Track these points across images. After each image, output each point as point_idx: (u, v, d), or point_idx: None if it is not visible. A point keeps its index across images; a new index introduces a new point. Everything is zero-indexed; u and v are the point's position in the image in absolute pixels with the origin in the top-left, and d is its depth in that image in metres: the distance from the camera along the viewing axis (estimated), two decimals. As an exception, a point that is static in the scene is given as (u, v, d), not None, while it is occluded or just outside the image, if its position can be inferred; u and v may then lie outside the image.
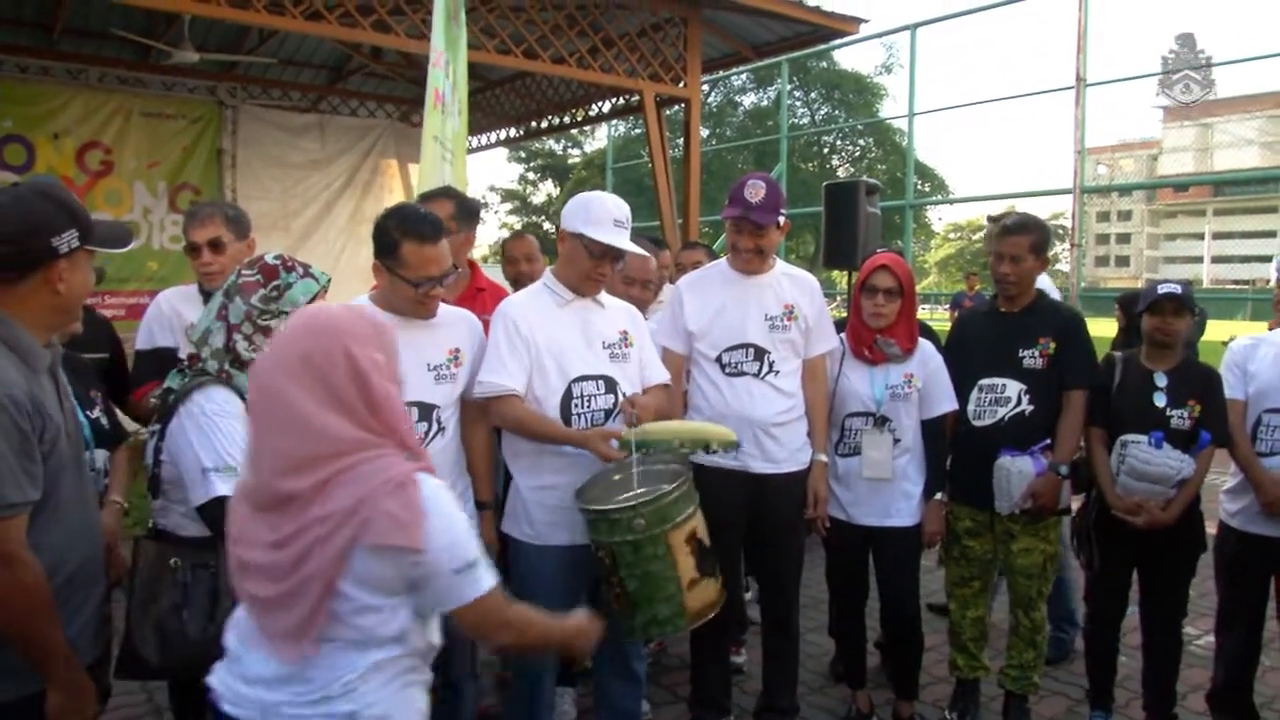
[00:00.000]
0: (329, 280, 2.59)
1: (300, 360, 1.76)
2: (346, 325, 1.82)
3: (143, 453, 2.63)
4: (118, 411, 3.03)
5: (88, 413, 2.82)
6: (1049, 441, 3.74)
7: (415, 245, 2.85)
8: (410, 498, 1.73)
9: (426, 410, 3.00)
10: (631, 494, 2.97)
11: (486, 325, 3.26)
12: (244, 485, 1.86)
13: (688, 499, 2.93)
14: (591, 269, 3.19)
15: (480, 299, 3.84)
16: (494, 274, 4.57)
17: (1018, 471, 3.67)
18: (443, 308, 3.09)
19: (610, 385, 3.23)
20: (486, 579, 1.82)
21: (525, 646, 2.03)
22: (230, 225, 3.45)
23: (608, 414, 3.21)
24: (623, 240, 3.18)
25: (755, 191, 3.52)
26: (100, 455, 2.81)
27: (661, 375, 3.43)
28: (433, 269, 2.88)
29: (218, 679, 1.88)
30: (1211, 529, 3.80)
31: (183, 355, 2.67)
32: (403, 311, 2.94)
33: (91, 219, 2.17)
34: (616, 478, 3.09)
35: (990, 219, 5.11)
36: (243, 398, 2.37)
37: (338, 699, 1.77)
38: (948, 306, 20.55)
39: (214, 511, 2.28)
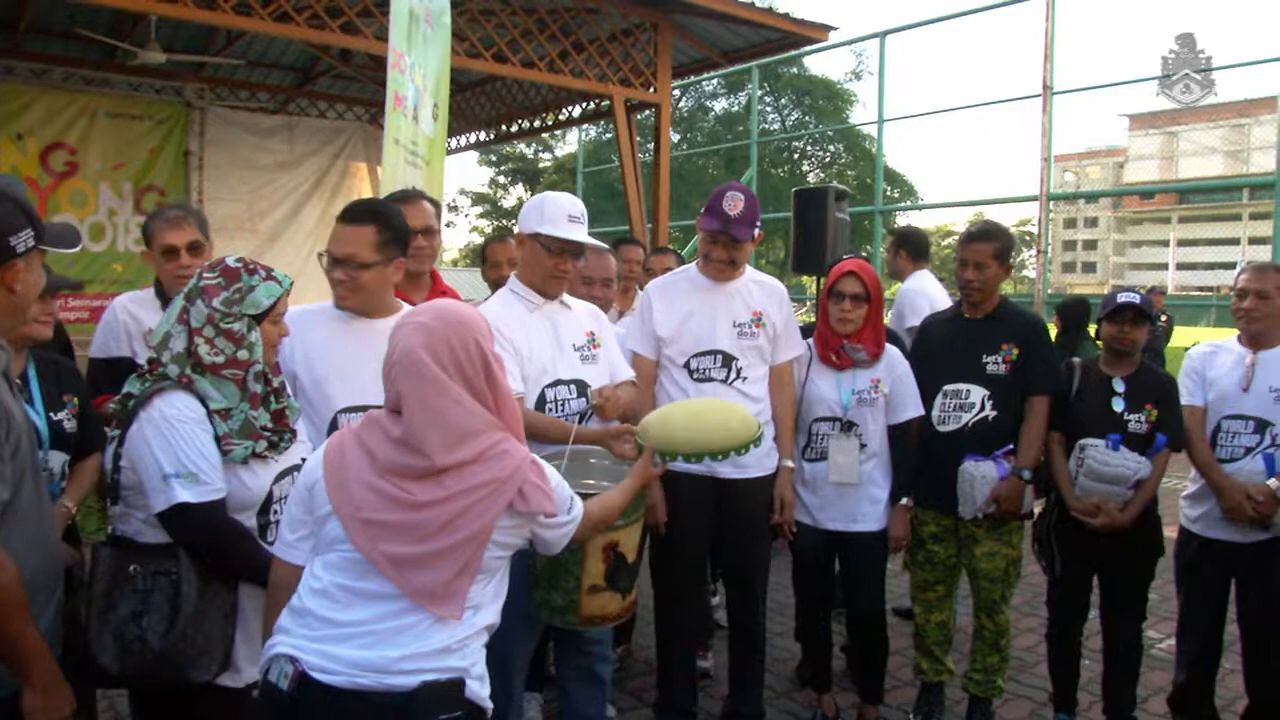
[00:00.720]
0: (291, 283, 2.57)
1: (447, 350, 1.98)
2: (475, 320, 2.07)
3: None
4: (94, 420, 2.97)
5: (51, 414, 2.79)
6: (1012, 447, 3.78)
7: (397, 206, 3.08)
8: (543, 472, 2.08)
9: None
10: (577, 484, 2.94)
11: None
12: (364, 452, 2.00)
13: (625, 513, 2.88)
14: (553, 267, 3.20)
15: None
16: (465, 278, 4.52)
17: (981, 476, 3.71)
18: (409, 308, 3.05)
19: (582, 389, 3.24)
20: (580, 510, 2.23)
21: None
22: (201, 228, 3.38)
23: (581, 417, 3.22)
24: (579, 234, 3.19)
25: (734, 204, 3.53)
26: (55, 458, 2.78)
27: (627, 372, 3.45)
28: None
29: (298, 647, 1.89)
30: (1170, 533, 3.85)
31: (142, 361, 2.63)
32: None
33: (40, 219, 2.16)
34: (592, 461, 3.08)
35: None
36: (204, 403, 2.34)
37: (455, 653, 1.92)
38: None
39: (175, 518, 2.26)
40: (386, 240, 2.84)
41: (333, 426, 2.86)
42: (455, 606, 1.92)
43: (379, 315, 2.92)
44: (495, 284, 4.30)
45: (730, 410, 2.93)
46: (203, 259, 3.27)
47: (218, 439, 2.36)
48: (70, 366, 2.92)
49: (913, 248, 5.64)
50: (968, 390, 3.83)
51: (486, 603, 2.02)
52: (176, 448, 2.29)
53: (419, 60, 5.20)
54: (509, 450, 2.01)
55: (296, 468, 2.58)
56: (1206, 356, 3.84)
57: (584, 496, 2.75)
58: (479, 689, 1.96)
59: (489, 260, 4.50)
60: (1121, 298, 3.72)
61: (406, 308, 3.08)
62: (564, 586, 2.87)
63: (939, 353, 3.94)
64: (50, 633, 2.21)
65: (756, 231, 3.61)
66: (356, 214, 2.88)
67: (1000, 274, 3.87)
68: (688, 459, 2.84)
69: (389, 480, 1.94)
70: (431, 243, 3.66)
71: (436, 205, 3.90)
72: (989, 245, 3.83)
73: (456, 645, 1.92)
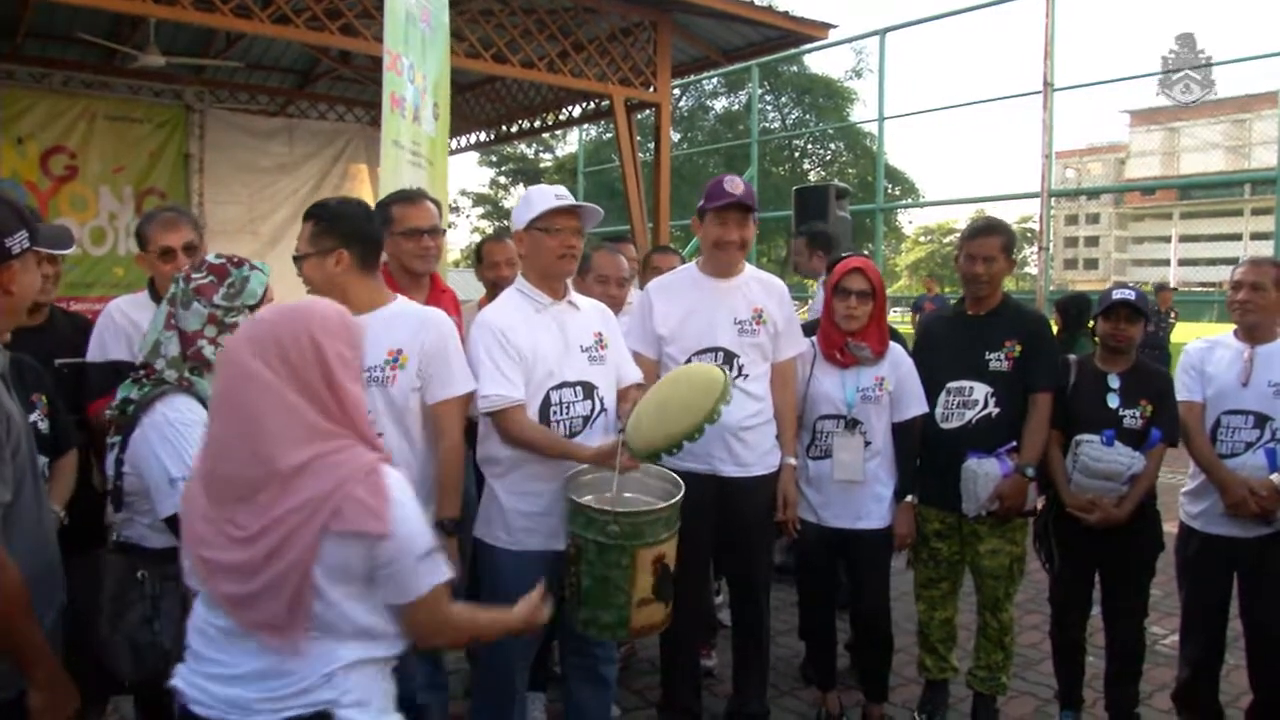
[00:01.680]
0: (270, 271, 2.58)
1: (274, 346, 1.77)
2: (317, 316, 1.84)
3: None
4: (66, 419, 2.95)
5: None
6: (1015, 444, 3.77)
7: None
8: (378, 484, 1.78)
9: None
10: (618, 497, 2.95)
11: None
12: (202, 479, 1.84)
13: (668, 524, 2.91)
14: (558, 245, 3.13)
15: (442, 301, 3.81)
16: (467, 278, 4.48)
17: (984, 474, 3.70)
18: (393, 308, 3.02)
19: (589, 391, 3.21)
20: (444, 570, 1.86)
21: (463, 644, 2.05)
22: (196, 230, 3.36)
23: (585, 420, 3.18)
24: (568, 200, 3.15)
25: (735, 185, 3.57)
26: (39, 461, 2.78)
27: (636, 374, 3.42)
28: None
29: (182, 680, 1.86)
30: (1171, 529, 3.84)
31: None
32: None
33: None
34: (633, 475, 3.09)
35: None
36: (205, 405, 2.34)
37: (319, 689, 1.79)
38: (910, 309, 20.68)
39: None
40: (320, 232, 2.87)
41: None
42: (297, 643, 1.76)
43: (355, 310, 2.89)
44: (493, 284, 4.25)
45: (689, 384, 2.95)
46: (198, 260, 3.24)
47: None
48: (34, 366, 2.84)
49: (824, 244, 5.70)
50: (971, 387, 3.82)
51: (362, 628, 1.82)
52: (181, 451, 2.30)
53: (417, 60, 5.18)
54: (341, 460, 1.77)
55: None
56: (1204, 352, 3.84)
57: (626, 514, 2.82)
58: (357, 715, 1.82)
59: (486, 260, 4.42)
60: (1117, 294, 3.72)
61: (399, 299, 3.07)
62: (615, 603, 2.88)
63: (941, 350, 3.94)
64: (52, 634, 2.21)
65: (753, 219, 3.65)
66: (305, 213, 2.97)
67: (1006, 268, 3.88)
68: (677, 450, 2.88)
69: (219, 509, 1.78)
70: (437, 242, 3.65)
71: (439, 205, 3.89)
72: (997, 239, 3.84)
73: (320, 681, 1.78)
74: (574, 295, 3.32)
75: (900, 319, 21.39)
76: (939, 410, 3.87)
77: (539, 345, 3.13)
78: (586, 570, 2.88)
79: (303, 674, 1.78)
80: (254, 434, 1.75)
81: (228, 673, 1.81)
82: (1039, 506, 3.95)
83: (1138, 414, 3.68)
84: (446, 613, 1.90)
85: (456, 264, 33.81)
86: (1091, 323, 3.96)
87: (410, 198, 3.65)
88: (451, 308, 3.85)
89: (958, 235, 4.46)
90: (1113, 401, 3.71)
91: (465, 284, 4.96)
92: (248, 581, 1.75)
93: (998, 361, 3.80)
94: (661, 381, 3.13)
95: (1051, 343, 3.92)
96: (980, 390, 3.81)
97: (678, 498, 2.95)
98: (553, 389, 3.14)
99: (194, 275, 2.45)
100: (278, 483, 1.74)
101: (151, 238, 3.31)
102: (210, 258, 2.49)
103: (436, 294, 3.83)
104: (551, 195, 3.15)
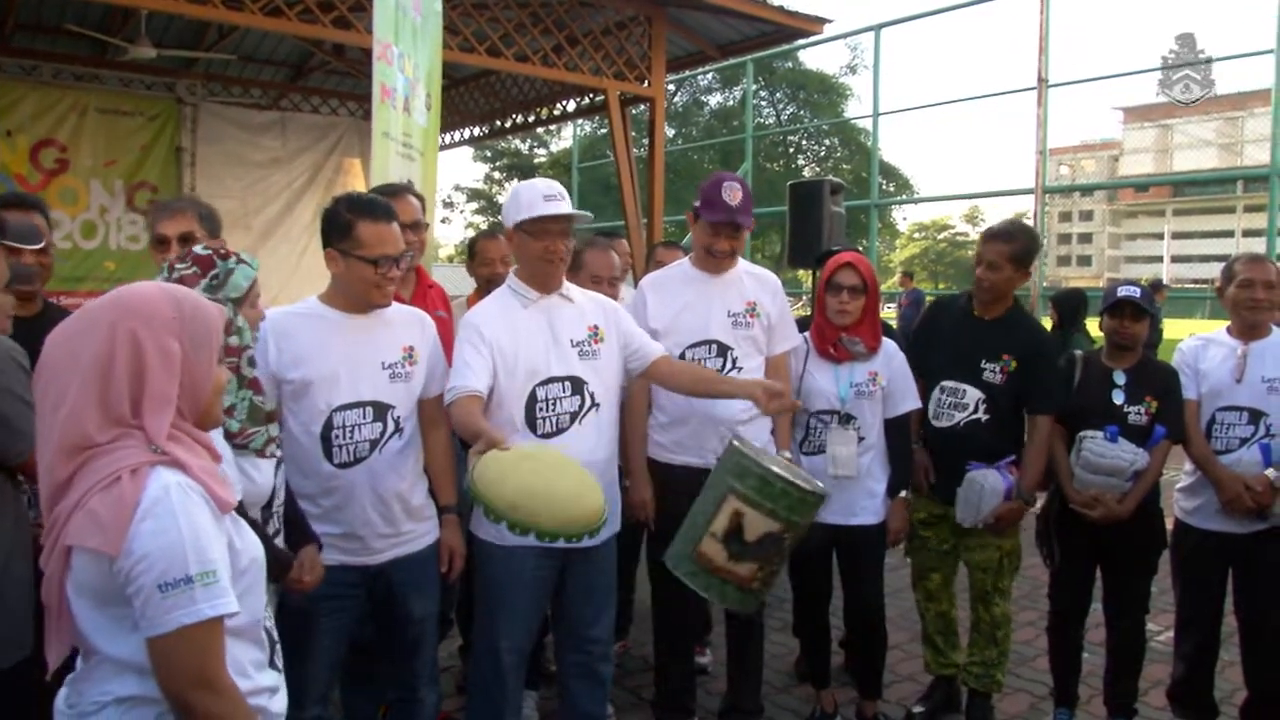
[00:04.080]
0: (258, 265, 2.56)
1: (89, 334, 1.60)
2: (142, 305, 1.63)
3: None
4: None
5: None
6: (1014, 457, 3.78)
7: (370, 223, 2.83)
8: (121, 494, 1.52)
9: (381, 410, 2.93)
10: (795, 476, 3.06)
11: (439, 322, 3.23)
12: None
13: (771, 497, 2.96)
14: (543, 250, 3.12)
15: (429, 296, 3.79)
16: (461, 274, 4.41)
17: (989, 489, 3.69)
18: (395, 306, 3.04)
19: (577, 386, 3.17)
20: (205, 608, 1.53)
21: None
22: (203, 222, 3.28)
23: (573, 416, 3.15)
24: (556, 207, 3.10)
25: (733, 194, 3.53)
26: None
27: (656, 349, 3.35)
28: (389, 247, 2.85)
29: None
30: (1167, 525, 3.83)
31: None
32: (361, 297, 2.89)
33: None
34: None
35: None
36: None
37: (90, 716, 1.62)
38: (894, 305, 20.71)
39: None
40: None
41: (328, 426, 2.84)
42: (59, 652, 1.63)
43: (358, 311, 2.93)
44: (487, 281, 4.20)
45: (577, 494, 2.59)
46: None
47: (230, 436, 2.34)
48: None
49: None
50: (964, 390, 3.81)
51: (135, 670, 1.60)
52: None
53: (408, 49, 5.14)
54: (100, 465, 1.55)
55: (280, 460, 2.59)
56: (1197, 350, 3.82)
57: (812, 494, 2.96)
58: None
59: (480, 256, 4.36)
60: (1121, 292, 3.70)
61: (395, 305, 3.06)
62: (689, 535, 3.02)
63: (942, 347, 3.92)
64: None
65: (747, 227, 3.63)
66: (380, 211, 2.91)
67: (1016, 278, 3.82)
68: (512, 528, 2.49)
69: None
70: (420, 237, 3.62)
71: (422, 200, 3.85)
72: (1006, 246, 3.77)
73: (92, 709, 1.63)
74: (568, 288, 3.28)
75: (890, 315, 21.41)
76: (932, 407, 3.86)
77: (521, 342, 3.10)
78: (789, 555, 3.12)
79: (86, 695, 1.63)
80: (53, 424, 1.58)
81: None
82: (1039, 502, 3.95)
83: (1142, 410, 3.66)
84: (204, 666, 1.55)
85: (450, 259, 33.74)
86: (1093, 320, 3.94)
87: (394, 191, 3.52)
88: (440, 302, 3.83)
89: (953, 232, 4.44)
90: (1118, 398, 3.69)
91: (458, 279, 4.88)
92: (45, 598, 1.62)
93: (992, 373, 3.77)
94: (571, 467, 2.71)
95: (1052, 364, 3.86)
96: (973, 395, 3.79)
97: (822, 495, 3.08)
98: (538, 385, 3.12)
99: (178, 265, 2.42)
100: (61, 484, 1.57)
101: (153, 226, 3.29)
102: (198, 249, 2.46)
103: (423, 289, 3.81)
104: (540, 197, 3.10)
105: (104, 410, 1.57)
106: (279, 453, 2.52)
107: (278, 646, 1.89)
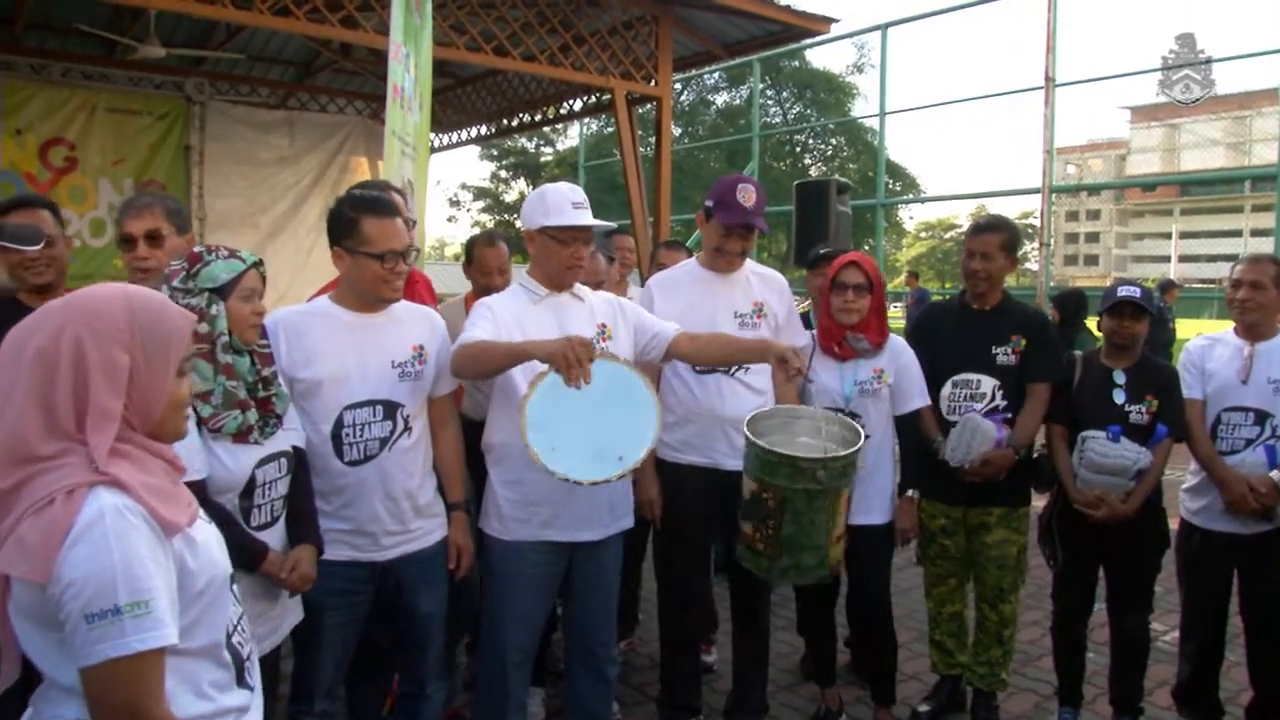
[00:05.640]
0: (259, 261, 2.56)
1: (39, 335, 1.51)
2: (93, 310, 1.53)
3: None
4: None
5: None
6: (1011, 415, 3.80)
7: (374, 219, 2.85)
8: (54, 519, 1.43)
9: (391, 408, 2.94)
10: (809, 444, 3.12)
11: None
12: None
13: (855, 465, 3.05)
14: (568, 257, 3.14)
15: (415, 289, 3.77)
16: (457, 272, 4.35)
17: (984, 431, 3.71)
18: (405, 305, 3.06)
19: None
20: (134, 641, 1.42)
21: None
22: (170, 218, 3.10)
23: None
24: (586, 218, 3.14)
25: (748, 196, 3.54)
26: None
27: (671, 329, 3.34)
28: (394, 242, 2.87)
29: None
30: (1172, 525, 3.83)
31: None
32: (370, 293, 2.91)
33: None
34: (801, 421, 3.22)
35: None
36: None
37: None
38: (896, 303, 20.73)
39: None
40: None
41: (339, 424, 2.87)
42: (11, 681, 1.58)
43: (368, 310, 2.95)
44: (484, 290, 4.07)
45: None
46: (162, 250, 3.01)
47: (202, 422, 2.37)
48: None
49: None
50: (979, 380, 3.82)
51: (71, 688, 1.51)
52: None
53: (412, 50, 5.20)
54: (36, 487, 1.46)
55: (284, 454, 2.62)
56: (1204, 349, 3.83)
57: (835, 460, 2.93)
58: None
59: (478, 264, 4.24)
60: (1121, 292, 3.70)
61: (405, 304, 3.08)
62: (816, 545, 3.03)
63: (944, 343, 3.93)
64: None
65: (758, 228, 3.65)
66: (383, 207, 2.96)
67: (1006, 266, 3.88)
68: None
69: None
70: (410, 233, 3.62)
71: (404, 196, 3.82)
72: (996, 237, 3.84)
73: None
74: (579, 287, 3.30)
75: (897, 314, 21.40)
76: (945, 403, 3.87)
77: (530, 334, 3.10)
78: (792, 519, 2.98)
79: (43, 716, 1.56)
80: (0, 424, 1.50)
81: None
82: (1040, 502, 3.95)
83: (1143, 409, 3.67)
84: (133, 701, 1.45)
85: (457, 257, 33.74)
86: (1093, 320, 3.95)
87: (380, 209, 3.57)
88: (426, 294, 3.83)
89: (959, 231, 4.47)
90: (1118, 397, 3.70)
91: (460, 278, 4.80)
92: None
93: (1005, 356, 3.80)
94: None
95: (1054, 339, 3.93)
96: (988, 383, 3.81)
97: (860, 441, 3.09)
98: None
99: (173, 264, 2.46)
100: (4, 493, 1.48)
101: (119, 224, 3.14)
102: (196, 248, 2.49)
103: (410, 281, 3.80)
104: (569, 204, 3.12)
105: (47, 416, 1.49)
106: (262, 440, 2.53)
107: (249, 662, 1.77)
